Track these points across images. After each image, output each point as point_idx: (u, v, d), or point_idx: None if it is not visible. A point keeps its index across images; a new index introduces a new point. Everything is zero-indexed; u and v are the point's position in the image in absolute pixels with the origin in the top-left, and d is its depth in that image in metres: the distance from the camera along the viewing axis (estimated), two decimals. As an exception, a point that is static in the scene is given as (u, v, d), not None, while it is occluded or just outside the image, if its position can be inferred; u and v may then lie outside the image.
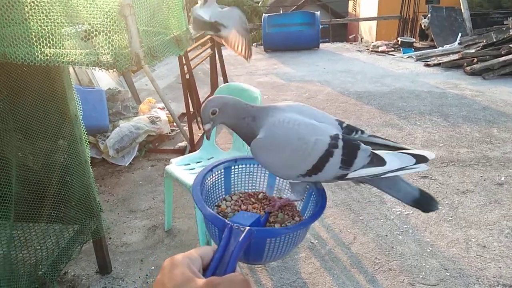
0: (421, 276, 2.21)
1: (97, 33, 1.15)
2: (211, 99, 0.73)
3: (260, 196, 0.80)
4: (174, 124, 4.12)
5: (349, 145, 0.68)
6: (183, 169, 2.42)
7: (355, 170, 0.68)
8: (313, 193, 0.75)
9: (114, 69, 1.08)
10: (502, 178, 3.20)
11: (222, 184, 0.82)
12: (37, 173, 1.92)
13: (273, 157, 0.69)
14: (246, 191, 0.83)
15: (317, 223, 2.69)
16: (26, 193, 1.88)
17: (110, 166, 3.63)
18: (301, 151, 0.67)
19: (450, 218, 2.71)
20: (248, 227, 0.56)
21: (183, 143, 3.87)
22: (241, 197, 0.80)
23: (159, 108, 4.28)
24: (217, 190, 0.81)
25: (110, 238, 2.64)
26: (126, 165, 3.64)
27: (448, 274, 2.22)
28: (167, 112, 4.09)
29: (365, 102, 5.15)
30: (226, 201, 0.80)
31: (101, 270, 2.35)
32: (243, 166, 0.82)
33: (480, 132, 4.11)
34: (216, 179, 0.80)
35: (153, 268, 2.37)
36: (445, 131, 4.14)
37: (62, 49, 1.19)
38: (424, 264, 2.30)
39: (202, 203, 0.67)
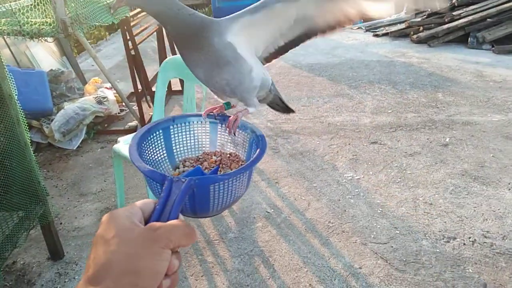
0: (372, 236, 2.30)
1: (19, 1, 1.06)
2: None
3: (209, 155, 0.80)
4: (123, 103, 3.98)
5: None
6: (132, 147, 2.34)
7: None
8: (253, 142, 0.76)
9: (40, 38, 1.00)
10: (447, 139, 3.36)
11: (163, 147, 0.79)
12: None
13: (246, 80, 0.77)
14: (189, 156, 0.82)
15: (273, 193, 2.72)
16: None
17: (57, 151, 3.48)
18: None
19: (399, 180, 2.82)
20: (189, 177, 0.55)
21: (134, 123, 3.76)
22: (191, 163, 0.79)
23: (106, 88, 4.11)
24: (158, 154, 0.78)
25: (61, 223, 2.54)
26: (74, 148, 3.49)
27: (398, 232, 2.32)
28: (115, 91, 3.94)
29: (316, 73, 5.19)
30: (178, 168, 0.79)
31: (52, 256, 2.26)
32: (181, 124, 0.80)
33: (426, 97, 4.26)
34: (156, 140, 0.77)
35: (107, 249, 2.31)
36: (393, 98, 4.26)
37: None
38: (375, 224, 2.39)
39: (139, 160, 0.65)
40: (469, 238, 2.26)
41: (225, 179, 0.62)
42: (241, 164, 0.77)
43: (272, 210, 2.56)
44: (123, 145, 2.36)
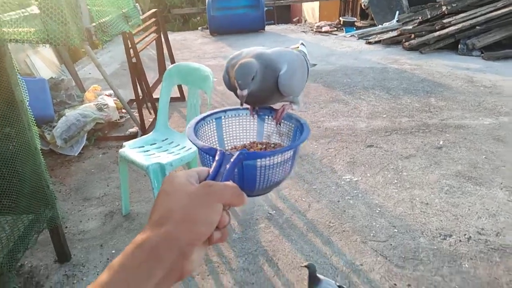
0: (372, 234, 2.38)
1: (46, 10, 1.13)
2: (250, 63, 0.76)
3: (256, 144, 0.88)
4: (123, 110, 4.04)
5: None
6: (137, 152, 2.41)
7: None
8: (297, 130, 0.82)
9: (66, 45, 1.07)
10: (441, 142, 3.46)
11: (215, 134, 0.86)
12: (-15, 163, 1.85)
13: (296, 77, 0.87)
14: (238, 144, 0.89)
15: (274, 195, 2.79)
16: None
17: (59, 157, 3.52)
18: (303, 67, 0.92)
19: (396, 181, 2.91)
20: (239, 151, 0.61)
21: (134, 129, 3.82)
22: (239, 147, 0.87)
23: (105, 95, 4.17)
24: (211, 140, 0.86)
25: (66, 227, 2.59)
26: (76, 154, 3.54)
27: (396, 230, 2.40)
28: (115, 98, 4.01)
29: (311, 80, 5.29)
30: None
31: (59, 259, 2.31)
32: (232, 116, 0.88)
33: (420, 102, 4.38)
34: (209, 128, 0.85)
35: (113, 251, 2.37)
36: (387, 103, 4.37)
37: (8, 28, 1.16)
38: (374, 223, 2.47)
39: (195, 138, 0.72)
40: (465, 235, 2.35)
41: (271, 155, 0.68)
42: None
43: (274, 211, 2.63)
44: (128, 149, 2.42)
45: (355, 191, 2.81)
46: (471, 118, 3.91)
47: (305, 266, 1.82)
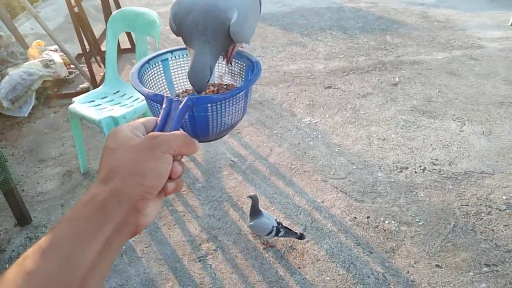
0: (332, 173, 2.44)
1: None
2: (198, 69, 0.69)
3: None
4: (72, 66, 3.82)
5: None
6: (88, 106, 2.30)
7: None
8: (249, 70, 0.79)
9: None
10: (396, 79, 3.52)
11: (163, 78, 0.81)
12: None
13: (249, 23, 0.77)
14: (189, 88, 0.84)
15: (236, 142, 2.79)
16: None
17: (7, 119, 3.33)
18: (255, 6, 0.80)
19: (354, 120, 2.96)
20: (188, 97, 0.56)
21: (85, 84, 3.64)
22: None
23: (51, 50, 3.91)
24: (159, 84, 0.80)
25: (23, 190, 2.50)
26: (26, 115, 3.36)
27: (355, 167, 2.48)
28: (61, 54, 3.76)
29: (268, 23, 5.16)
30: (178, 97, 0.80)
31: (20, 222, 2.24)
32: (180, 56, 0.82)
33: (376, 40, 4.39)
34: (156, 72, 0.79)
35: (75, 210, 2.32)
36: (344, 43, 4.36)
37: None
38: (333, 162, 2.53)
39: (140, 85, 0.67)
40: (420, 166, 2.45)
41: (221, 99, 0.64)
42: None
43: (237, 158, 2.64)
44: (79, 104, 2.32)
45: (315, 133, 2.84)
46: (426, 54, 3.97)
47: (249, 197, 1.90)
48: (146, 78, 0.76)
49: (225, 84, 0.85)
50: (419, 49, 4.09)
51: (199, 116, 0.64)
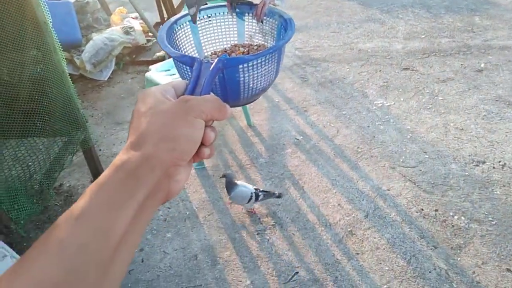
0: (401, 160, 2.34)
1: None
2: None
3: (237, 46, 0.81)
4: (150, 34, 3.96)
5: None
6: (165, 75, 2.38)
7: None
8: (282, 27, 0.75)
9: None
10: (482, 65, 3.24)
11: (191, 39, 0.78)
12: (15, 86, 1.88)
13: None
14: (218, 49, 0.82)
15: (302, 120, 2.75)
16: (8, 109, 1.86)
17: (89, 82, 3.56)
18: None
19: (430, 106, 2.79)
20: (218, 58, 0.54)
21: (161, 53, 3.76)
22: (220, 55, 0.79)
23: (131, 17, 4.08)
24: (187, 47, 0.78)
25: (100, 150, 2.68)
26: (105, 79, 3.57)
27: (427, 156, 2.35)
28: (141, 21, 3.91)
29: (346, -2, 4.96)
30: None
31: (95, 179, 2.41)
32: (207, 16, 0.79)
33: (462, 21, 4.05)
34: (184, 33, 0.77)
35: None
36: (427, 23, 4.07)
37: None
38: (404, 149, 2.41)
39: (169, 47, 0.66)
40: (499, 162, 2.27)
41: (253, 59, 0.61)
42: None
43: (301, 137, 2.61)
44: (155, 72, 2.40)
45: (387, 116, 2.72)
46: (519, 38, 3.60)
47: (223, 177, 1.97)
48: (176, 39, 0.74)
49: (256, 45, 0.81)
50: (511, 33, 3.72)
51: (230, 79, 0.61)
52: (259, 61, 0.62)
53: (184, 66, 0.62)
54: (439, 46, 3.58)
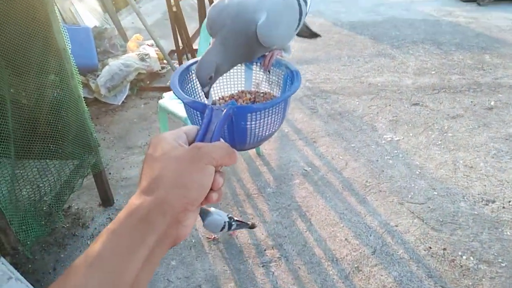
0: (410, 196, 2.32)
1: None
2: (202, 64, 0.69)
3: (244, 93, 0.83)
4: (164, 61, 4.06)
5: None
6: (178, 103, 2.43)
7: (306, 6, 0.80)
8: (288, 78, 0.77)
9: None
10: (492, 103, 3.25)
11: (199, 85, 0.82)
12: (31, 109, 1.93)
13: (280, 26, 0.75)
14: (226, 94, 0.84)
15: (310, 151, 2.77)
16: (23, 130, 1.90)
17: (103, 105, 3.63)
18: (291, 10, 0.76)
19: (440, 142, 2.79)
20: (228, 106, 0.57)
21: (175, 80, 3.83)
22: (227, 101, 0.82)
23: (147, 45, 4.19)
24: (197, 92, 0.80)
25: (110, 173, 2.71)
26: (119, 103, 3.63)
27: (436, 193, 2.34)
28: (156, 49, 4.01)
29: (358, 32, 5.05)
30: (214, 105, 0.81)
31: (103, 203, 2.44)
32: None
33: (473, 58, 4.09)
34: (194, 79, 0.79)
35: (153, 199, 2.46)
36: (437, 59, 4.12)
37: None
38: (413, 185, 2.41)
39: (180, 92, 0.68)
40: (509, 202, 2.25)
41: (261, 109, 0.64)
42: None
43: (310, 168, 2.62)
44: (168, 100, 2.45)
45: (396, 151, 2.72)
46: (530, 78, 3.62)
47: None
48: (185, 84, 0.76)
49: (262, 92, 0.84)
50: (523, 72, 3.74)
51: (238, 125, 0.63)
52: (267, 109, 0.65)
53: (194, 110, 0.64)
54: (449, 83, 3.61)
